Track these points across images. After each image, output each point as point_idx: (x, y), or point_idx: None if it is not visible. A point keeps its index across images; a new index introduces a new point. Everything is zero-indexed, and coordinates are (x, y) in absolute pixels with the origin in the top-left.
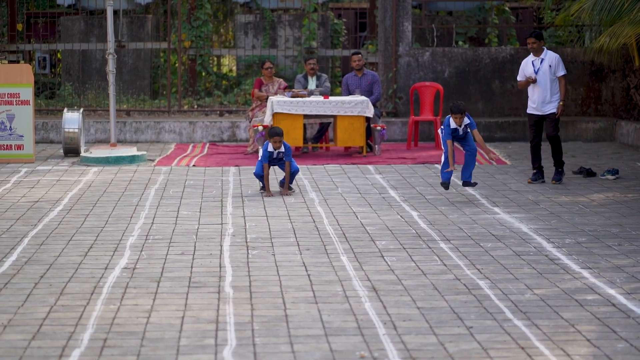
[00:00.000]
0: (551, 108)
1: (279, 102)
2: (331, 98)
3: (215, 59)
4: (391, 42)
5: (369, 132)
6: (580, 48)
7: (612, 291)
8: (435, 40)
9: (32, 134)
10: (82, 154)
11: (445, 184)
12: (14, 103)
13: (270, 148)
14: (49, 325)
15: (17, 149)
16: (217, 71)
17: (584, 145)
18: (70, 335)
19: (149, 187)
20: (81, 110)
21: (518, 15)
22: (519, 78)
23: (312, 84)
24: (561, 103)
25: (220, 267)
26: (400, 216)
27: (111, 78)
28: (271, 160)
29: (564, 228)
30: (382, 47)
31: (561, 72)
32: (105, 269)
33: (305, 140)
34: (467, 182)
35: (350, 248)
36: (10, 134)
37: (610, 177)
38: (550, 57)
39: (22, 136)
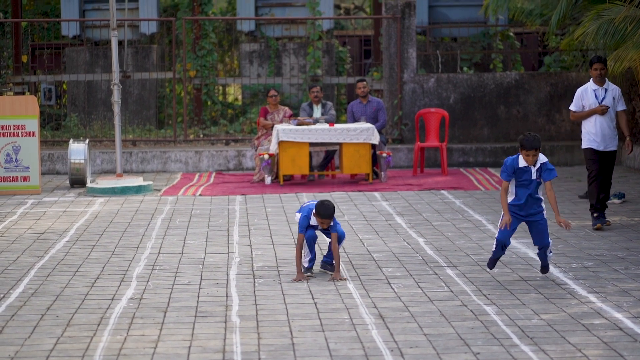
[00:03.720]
0: (611, 146)
1: (284, 130)
2: (336, 125)
3: (220, 88)
4: (396, 68)
5: (374, 159)
6: (585, 72)
7: (619, 315)
8: (440, 66)
9: (38, 165)
10: (89, 184)
11: (492, 262)
12: (20, 135)
13: (313, 221)
14: (56, 357)
15: (23, 181)
16: (222, 100)
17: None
18: None
19: (155, 217)
20: (87, 141)
21: (523, 41)
22: (574, 108)
23: (317, 111)
24: (629, 139)
25: (226, 296)
26: (407, 243)
27: (116, 108)
28: (309, 229)
29: (571, 252)
30: (387, 74)
31: (622, 106)
32: (112, 299)
33: (311, 168)
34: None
35: (357, 275)
36: (16, 166)
37: (616, 200)
38: (613, 89)
39: (28, 168)
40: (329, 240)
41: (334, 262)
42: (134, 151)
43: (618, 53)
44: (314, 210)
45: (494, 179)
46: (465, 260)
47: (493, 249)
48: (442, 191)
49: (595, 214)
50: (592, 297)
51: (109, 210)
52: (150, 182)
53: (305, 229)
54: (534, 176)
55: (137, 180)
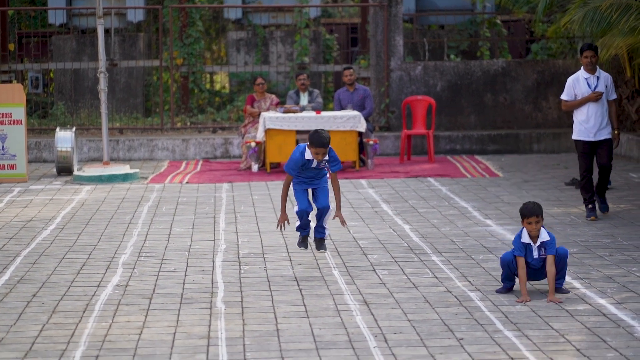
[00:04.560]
0: (605, 134)
1: (271, 118)
2: (323, 113)
3: (207, 76)
4: (383, 56)
5: (361, 147)
6: (572, 59)
7: (602, 301)
8: (427, 54)
9: (24, 153)
10: (75, 172)
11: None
12: (6, 123)
13: (308, 155)
14: (41, 344)
15: (10, 169)
16: (209, 88)
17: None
18: (62, 353)
19: (141, 204)
20: (74, 129)
21: (510, 28)
22: (565, 97)
23: (304, 99)
24: (617, 132)
25: (212, 283)
26: (393, 230)
27: (103, 96)
28: (302, 171)
29: (556, 239)
30: (374, 62)
31: (614, 95)
32: (98, 286)
33: None
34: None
35: (342, 262)
36: (2, 154)
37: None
38: (605, 76)
39: (14, 156)
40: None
41: (325, 235)
42: (121, 139)
43: (604, 40)
44: (307, 142)
45: (480, 166)
46: (450, 247)
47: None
48: (429, 178)
49: (589, 206)
50: (576, 283)
51: (95, 198)
52: (137, 170)
53: (298, 169)
54: (535, 255)
55: (123, 168)
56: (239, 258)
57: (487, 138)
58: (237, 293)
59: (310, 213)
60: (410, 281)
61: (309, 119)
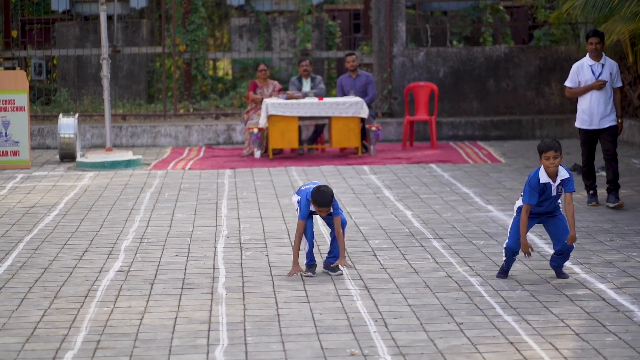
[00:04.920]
0: (609, 121)
1: (273, 104)
2: (325, 99)
3: (210, 62)
4: (385, 42)
5: (364, 133)
6: (574, 45)
7: (602, 286)
8: (429, 40)
9: (27, 140)
10: (78, 159)
11: (504, 272)
12: (9, 109)
13: (312, 208)
14: (43, 329)
15: (13, 155)
16: (212, 74)
17: (579, 142)
18: (64, 337)
19: (144, 190)
20: (77, 115)
21: (512, 14)
22: (569, 84)
23: (306, 85)
24: (620, 120)
25: (213, 268)
26: (394, 215)
27: (106, 83)
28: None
29: None
30: (376, 48)
31: (619, 82)
32: (100, 272)
33: (300, 141)
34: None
35: (344, 247)
36: (5, 140)
37: (603, 173)
38: (610, 64)
39: (17, 142)
40: (329, 232)
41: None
42: (124, 125)
43: (606, 26)
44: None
45: (482, 152)
46: (451, 232)
47: (503, 259)
48: (431, 164)
49: (590, 192)
50: (576, 268)
51: (98, 184)
52: (140, 156)
53: (307, 216)
54: (554, 192)
55: (126, 155)
56: (240, 244)
57: (490, 124)
58: (239, 278)
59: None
60: (411, 266)
61: (311, 105)
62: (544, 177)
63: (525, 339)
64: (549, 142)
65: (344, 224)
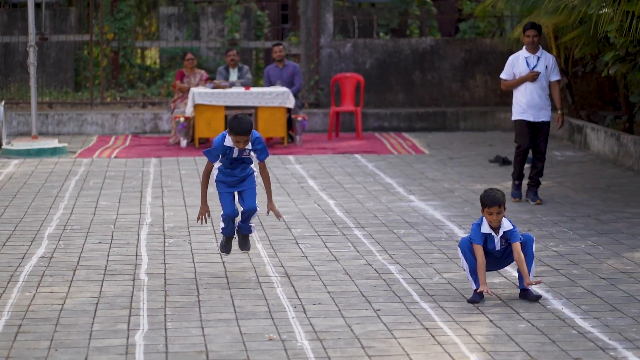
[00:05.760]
0: (544, 116)
1: (200, 93)
2: (252, 89)
3: (138, 51)
4: (313, 33)
5: (290, 123)
6: (499, 38)
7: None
8: (357, 31)
9: None
10: (4, 146)
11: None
12: None
13: (228, 142)
14: None
15: None
16: (140, 63)
17: (502, 134)
18: None
19: (69, 178)
20: (3, 102)
21: (440, 7)
22: (504, 76)
23: (233, 75)
24: (560, 112)
25: (136, 255)
26: (317, 205)
27: (32, 70)
28: (225, 162)
29: (477, 215)
30: (304, 39)
31: (557, 76)
32: (23, 258)
33: None
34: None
35: (266, 236)
36: None
37: (525, 165)
38: (547, 57)
39: None
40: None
41: (251, 232)
42: (50, 113)
43: (530, 19)
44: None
45: (407, 144)
46: (373, 221)
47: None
48: (356, 155)
49: (516, 182)
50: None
51: (23, 172)
52: (66, 145)
53: (217, 155)
54: (497, 247)
55: (52, 143)
56: (164, 231)
57: (415, 116)
58: (161, 265)
59: (236, 218)
60: (332, 254)
61: (238, 95)
62: (485, 228)
63: (440, 325)
64: (493, 197)
65: (252, 211)
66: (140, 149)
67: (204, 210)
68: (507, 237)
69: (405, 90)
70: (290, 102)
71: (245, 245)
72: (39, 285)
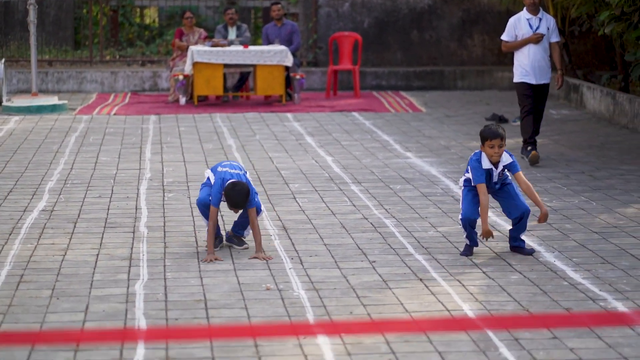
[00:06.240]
0: (545, 78)
1: (199, 51)
2: (251, 47)
3: (137, 9)
4: None
5: (288, 81)
6: None
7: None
8: None
9: None
10: (4, 103)
11: (469, 249)
12: None
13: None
14: None
15: None
16: (139, 22)
17: (499, 93)
18: None
19: (69, 135)
20: (3, 60)
21: None
22: (506, 38)
23: (232, 34)
24: (560, 73)
25: (136, 209)
26: (315, 161)
27: (32, 28)
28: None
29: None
30: None
31: (557, 37)
32: (24, 211)
33: (225, 89)
34: (518, 248)
35: (264, 190)
36: None
37: (518, 122)
38: (548, 18)
39: None
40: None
41: (244, 234)
42: (50, 71)
43: None
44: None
45: (404, 102)
46: (370, 177)
47: (464, 235)
48: (353, 113)
49: (528, 148)
50: (490, 212)
51: (23, 128)
52: (66, 102)
53: (220, 202)
54: (495, 179)
55: (52, 99)
56: (163, 186)
57: (413, 74)
58: (160, 218)
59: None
60: (329, 208)
61: (236, 53)
62: (486, 163)
63: (434, 276)
64: (495, 130)
65: (259, 210)
66: (140, 106)
67: (210, 258)
68: (508, 169)
69: (403, 49)
70: (289, 61)
71: (241, 243)
72: (40, 237)
